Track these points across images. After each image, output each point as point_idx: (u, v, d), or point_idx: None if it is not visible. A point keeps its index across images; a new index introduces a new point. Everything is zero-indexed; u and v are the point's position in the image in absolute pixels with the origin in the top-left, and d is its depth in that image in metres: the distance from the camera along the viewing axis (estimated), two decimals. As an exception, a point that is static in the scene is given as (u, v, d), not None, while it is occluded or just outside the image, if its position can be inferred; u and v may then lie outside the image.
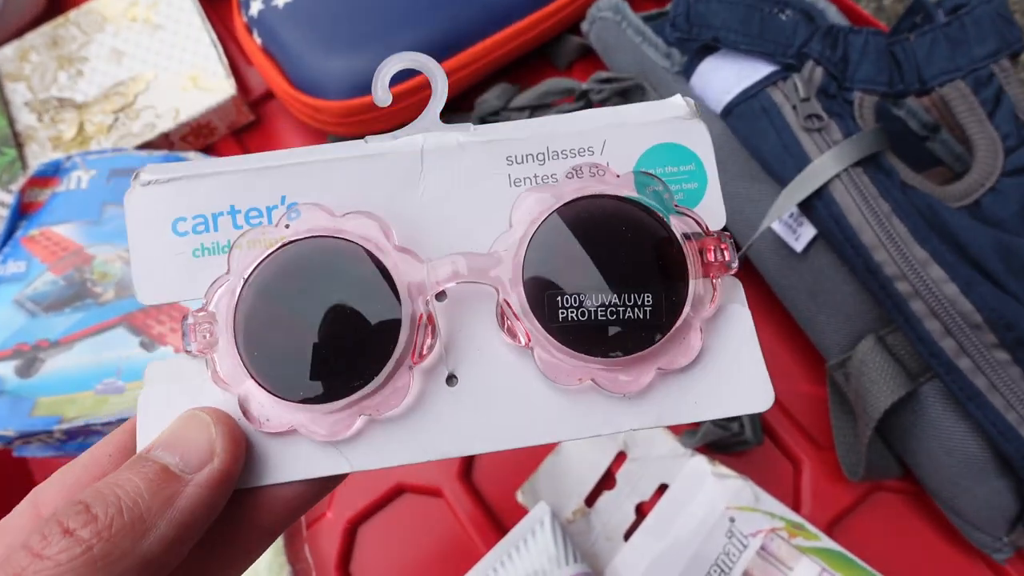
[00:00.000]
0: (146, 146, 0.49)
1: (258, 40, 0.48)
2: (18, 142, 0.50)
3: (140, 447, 0.18)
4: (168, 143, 0.49)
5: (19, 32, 0.55)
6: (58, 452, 0.41)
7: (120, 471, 0.16)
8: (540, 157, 0.19)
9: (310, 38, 0.45)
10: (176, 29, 0.52)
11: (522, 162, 0.19)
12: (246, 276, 0.17)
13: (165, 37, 0.52)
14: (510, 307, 0.18)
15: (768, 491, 0.36)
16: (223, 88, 0.49)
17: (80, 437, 0.39)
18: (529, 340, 0.18)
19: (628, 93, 0.43)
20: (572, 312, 0.18)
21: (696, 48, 0.38)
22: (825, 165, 0.34)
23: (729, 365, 0.19)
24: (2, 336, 0.40)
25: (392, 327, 0.17)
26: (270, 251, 0.18)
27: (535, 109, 0.46)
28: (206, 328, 0.18)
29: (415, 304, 0.18)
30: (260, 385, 0.17)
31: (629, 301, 0.18)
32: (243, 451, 0.18)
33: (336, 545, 0.39)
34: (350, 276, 0.18)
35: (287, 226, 0.18)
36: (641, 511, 0.37)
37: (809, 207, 0.34)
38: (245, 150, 0.52)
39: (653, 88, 0.41)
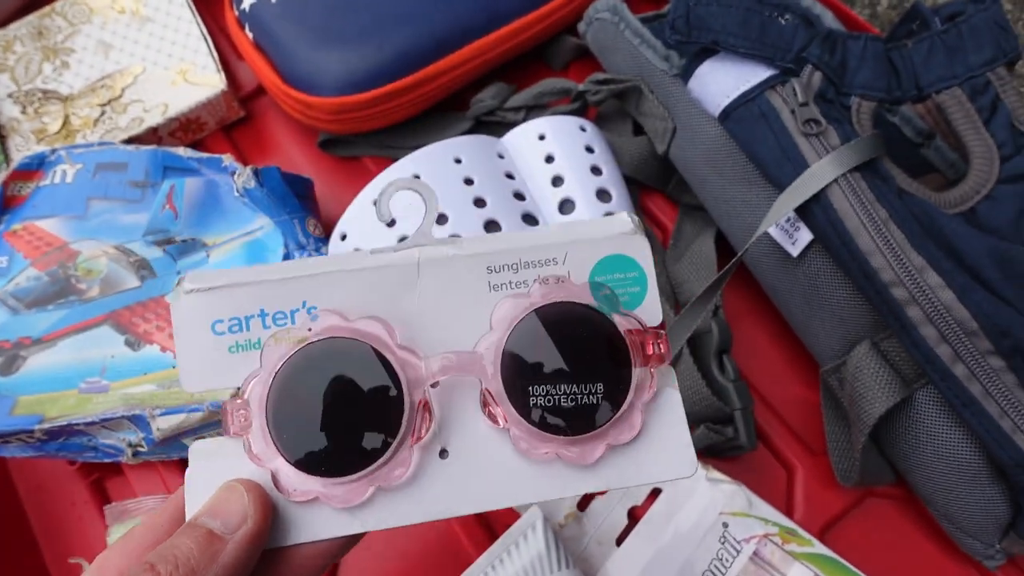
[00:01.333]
0: (133, 140, 0.48)
1: (250, 35, 0.47)
2: (1, 134, 0.49)
3: (189, 515, 0.21)
4: (156, 138, 0.49)
5: (3, 22, 0.54)
6: (38, 452, 0.40)
7: (176, 536, 0.20)
8: (514, 267, 0.23)
9: (303, 33, 0.45)
10: (166, 22, 0.51)
11: (500, 271, 0.23)
12: (275, 370, 0.21)
13: (154, 30, 0.51)
14: (491, 395, 0.21)
15: (761, 496, 0.36)
16: (213, 83, 0.49)
17: (62, 437, 0.38)
18: (506, 421, 0.22)
19: (625, 95, 0.43)
20: (541, 399, 0.21)
21: (695, 51, 0.38)
22: (823, 170, 0.34)
23: (662, 439, 0.23)
24: None
25: (396, 414, 0.21)
26: (295, 349, 0.21)
27: (531, 109, 0.46)
28: (242, 414, 0.21)
29: (415, 393, 0.21)
30: (288, 462, 0.20)
31: (585, 390, 0.21)
32: (270, 513, 0.21)
33: (324, 548, 0.38)
34: (362, 370, 0.21)
35: (310, 329, 0.21)
36: (634, 516, 0.37)
37: (806, 212, 0.34)
38: (235, 146, 0.51)
39: (650, 90, 0.41)
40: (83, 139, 0.48)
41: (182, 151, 0.43)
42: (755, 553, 0.34)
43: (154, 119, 0.48)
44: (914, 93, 0.37)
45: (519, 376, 0.21)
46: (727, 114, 0.37)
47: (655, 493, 0.37)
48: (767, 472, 0.38)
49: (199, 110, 0.49)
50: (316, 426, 0.20)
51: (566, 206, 0.40)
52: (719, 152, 0.38)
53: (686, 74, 0.39)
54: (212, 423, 0.36)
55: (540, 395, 0.21)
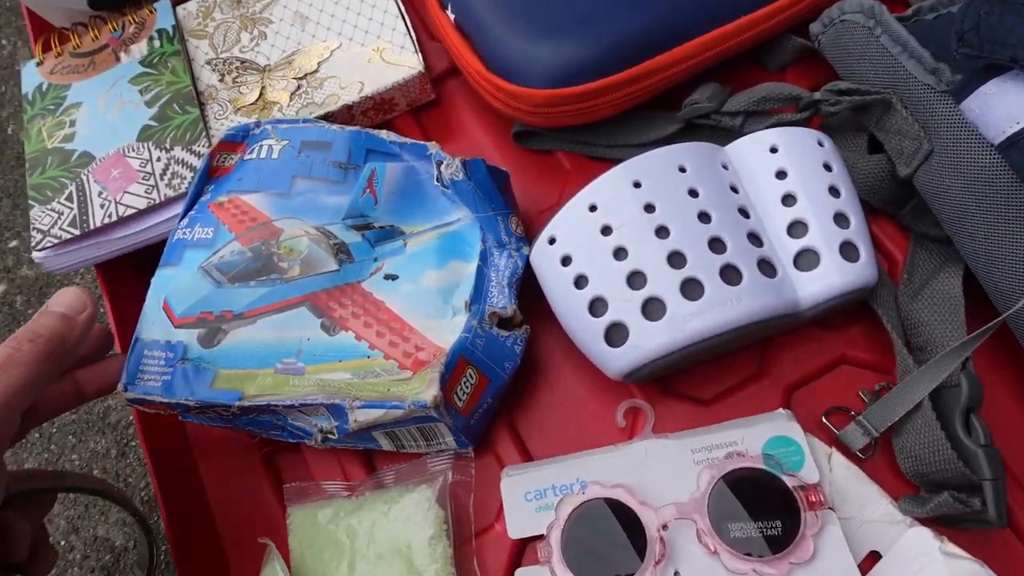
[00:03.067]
0: (328, 117, 0.47)
1: (451, 16, 0.46)
2: (200, 101, 0.49)
3: None
4: (350, 116, 0.48)
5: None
6: (227, 424, 0.40)
7: (37, 316, 0.34)
8: (709, 448, 0.36)
9: (512, 19, 0.42)
10: (363, -3, 0.50)
11: (699, 451, 0.36)
12: (565, 520, 0.34)
13: (351, 4, 0.50)
14: (704, 531, 0.33)
15: (1008, 582, 0.31)
16: (410, 63, 0.47)
17: (253, 413, 0.38)
18: (715, 549, 0.32)
19: (868, 108, 0.39)
20: (737, 533, 0.32)
21: (980, 67, 0.33)
22: None
23: (830, 560, 0.32)
24: (188, 302, 0.39)
25: (642, 546, 0.33)
26: (576, 506, 0.34)
27: (749, 115, 0.42)
28: (547, 550, 0.33)
29: (653, 532, 0.33)
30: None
31: (769, 526, 0.32)
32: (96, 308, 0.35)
33: (504, 559, 0.37)
34: (619, 518, 0.33)
35: (583, 493, 0.34)
36: (851, 580, 0.34)
37: (1109, 266, 0.29)
38: (422, 128, 0.50)
39: (904, 106, 0.36)
40: (279, 112, 0.48)
41: (384, 134, 0.42)
42: (1006, 649, 0.30)
43: (350, 97, 0.47)
44: None
45: (722, 517, 0.32)
46: (1012, 143, 0.32)
47: (872, 557, 0.34)
48: (1012, 555, 0.34)
49: (393, 91, 0.47)
50: (593, 554, 0.33)
51: (796, 228, 0.36)
52: (992, 185, 0.33)
53: (961, 92, 0.34)
54: (408, 420, 0.35)
55: (737, 530, 0.32)
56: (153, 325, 0.39)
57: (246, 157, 0.43)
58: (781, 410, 0.37)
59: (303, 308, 0.39)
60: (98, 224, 0.45)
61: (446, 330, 0.38)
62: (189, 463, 0.45)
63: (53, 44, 0.53)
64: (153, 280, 0.41)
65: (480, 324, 0.38)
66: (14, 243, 0.60)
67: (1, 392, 0.30)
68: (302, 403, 0.36)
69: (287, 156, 0.42)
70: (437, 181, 0.41)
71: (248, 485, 0.44)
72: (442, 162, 0.40)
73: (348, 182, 0.42)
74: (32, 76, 0.52)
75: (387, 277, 0.40)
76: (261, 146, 0.43)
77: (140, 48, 0.51)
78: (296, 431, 0.39)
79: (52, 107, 0.50)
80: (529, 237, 0.42)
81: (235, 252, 0.40)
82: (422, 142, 0.41)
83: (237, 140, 0.44)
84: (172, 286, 0.40)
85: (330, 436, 0.38)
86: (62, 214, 0.45)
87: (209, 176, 0.43)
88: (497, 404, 0.39)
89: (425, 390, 0.34)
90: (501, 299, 0.39)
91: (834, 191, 0.37)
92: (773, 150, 0.37)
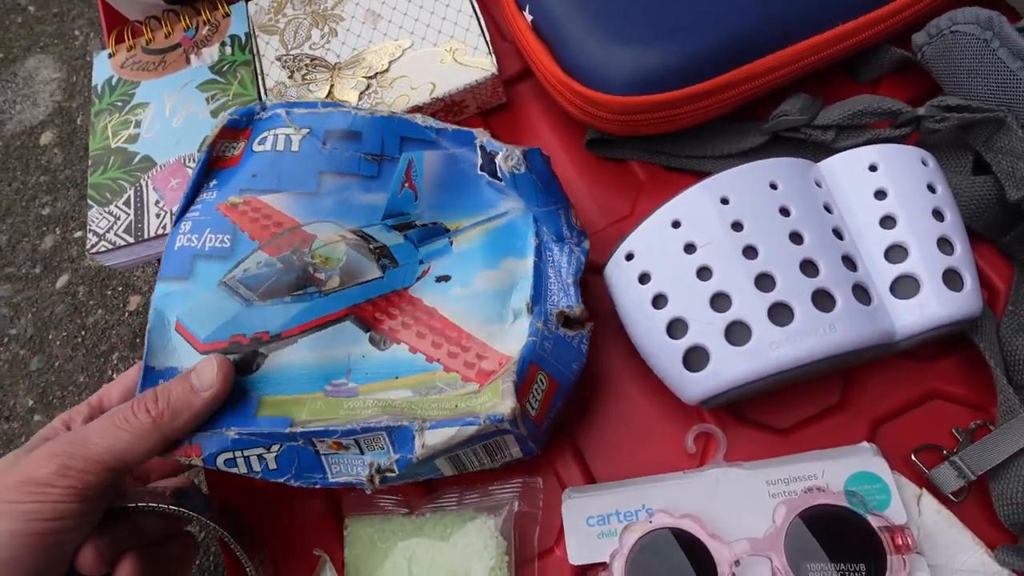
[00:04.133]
0: (396, 118, 0.46)
1: (528, 17, 0.44)
2: (269, 98, 0.49)
3: None
4: (419, 117, 0.47)
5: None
6: (268, 476, 0.34)
7: (171, 382, 0.33)
8: (786, 480, 0.33)
9: (595, 23, 0.41)
10: (436, -5, 0.49)
11: (775, 483, 0.34)
12: (630, 548, 0.32)
13: (424, 3, 0.49)
14: (779, 571, 0.30)
15: None
16: (484, 65, 0.46)
17: (294, 465, 0.34)
18: None
19: (975, 127, 0.36)
20: (816, 574, 0.30)
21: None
22: None
23: None
24: (212, 325, 0.35)
25: None
26: (642, 534, 0.32)
27: (842, 129, 0.40)
28: None
29: (723, 568, 0.31)
30: None
31: (851, 569, 0.30)
32: (230, 383, 0.33)
33: (564, 585, 0.36)
34: (687, 550, 0.31)
35: (650, 521, 0.32)
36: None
37: None
38: (491, 132, 0.48)
39: (1020, 125, 0.34)
40: (348, 112, 0.47)
41: (420, 119, 0.38)
42: None
43: (421, 97, 0.46)
44: None
45: (800, 556, 0.30)
46: None
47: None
48: None
49: (465, 93, 0.46)
50: None
51: (895, 252, 0.34)
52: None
53: (1089, 113, 0.31)
54: (479, 437, 0.33)
55: (816, 571, 0.30)
56: (165, 351, 0.35)
57: (256, 148, 0.38)
58: (866, 444, 0.35)
59: (347, 322, 0.36)
60: (152, 234, 0.44)
61: (507, 335, 0.36)
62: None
63: (126, 37, 0.53)
64: (154, 297, 0.35)
65: (546, 325, 0.35)
66: (79, 233, 0.61)
67: (105, 453, 0.31)
68: (364, 427, 0.32)
69: (310, 149, 0.37)
70: (481, 170, 0.37)
71: (300, 490, 0.43)
72: (497, 153, 0.36)
73: (383, 176, 0.38)
74: (104, 67, 0.52)
75: (439, 280, 0.37)
76: (276, 136, 0.38)
77: (211, 52, 0.51)
78: (340, 484, 0.34)
79: (120, 103, 0.50)
80: (601, 250, 0.40)
81: (262, 264, 0.36)
82: (466, 129, 0.38)
83: (240, 126, 0.38)
84: (186, 305, 0.35)
85: (389, 474, 0.33)
86: (119, 219, 0.45)
87: (210, 168, 0.38)
88: (565, 405, 0.37)
89: (500, 403, 0.32)
90: (565, 298, 0.36)
91: (938, 214, 0.34)
92: (872, 168, 0.35)
